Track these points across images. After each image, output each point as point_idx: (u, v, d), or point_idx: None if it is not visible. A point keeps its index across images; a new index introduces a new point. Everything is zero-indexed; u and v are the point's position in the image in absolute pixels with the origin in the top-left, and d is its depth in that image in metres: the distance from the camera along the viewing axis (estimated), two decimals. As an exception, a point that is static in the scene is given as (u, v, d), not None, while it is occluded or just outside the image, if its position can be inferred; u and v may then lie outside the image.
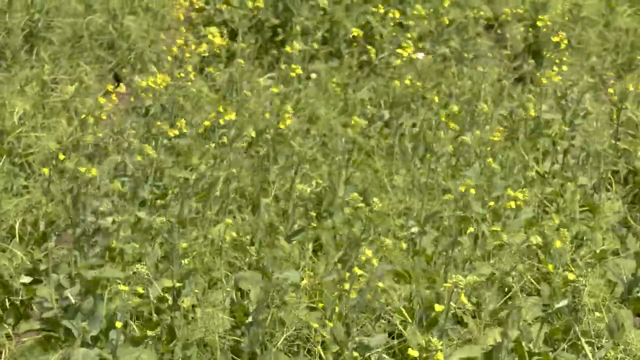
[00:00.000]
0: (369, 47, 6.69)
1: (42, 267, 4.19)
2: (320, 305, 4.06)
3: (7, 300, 4.24)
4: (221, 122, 4.97)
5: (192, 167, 5.01)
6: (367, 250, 3.67)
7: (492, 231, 4.71)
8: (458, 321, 4.20)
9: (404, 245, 4.44)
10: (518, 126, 6.01)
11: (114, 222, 4.29)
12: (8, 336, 4.07)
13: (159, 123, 5.01)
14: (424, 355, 2.89)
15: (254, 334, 3.86)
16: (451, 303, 3.21)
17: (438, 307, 3.14)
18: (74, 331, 3.76)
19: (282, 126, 5.01)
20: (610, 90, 6.00)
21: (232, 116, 4.90)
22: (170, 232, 4.02)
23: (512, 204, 4.60)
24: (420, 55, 6.19)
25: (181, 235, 4.37)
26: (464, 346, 3.50)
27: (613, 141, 5.62)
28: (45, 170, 3.97)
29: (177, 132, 4.97)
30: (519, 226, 4.90)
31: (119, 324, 3.67)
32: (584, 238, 4.96)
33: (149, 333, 3.88)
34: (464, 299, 3.14)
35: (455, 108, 5.41)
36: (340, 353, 3.78)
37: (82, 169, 3.96)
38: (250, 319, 3.87)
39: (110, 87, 5.50)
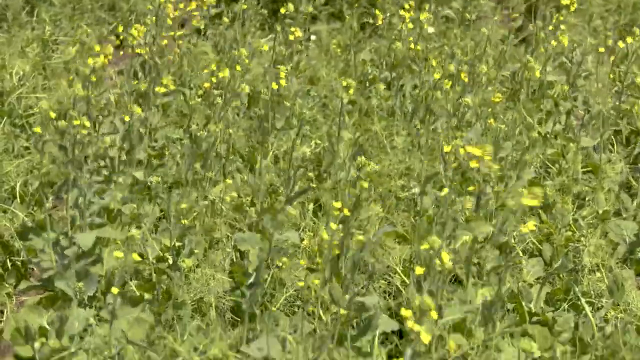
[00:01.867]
0: (372, 9, 6.63)
1: (42, 227, 4.15)
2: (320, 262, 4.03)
3: (8, 260, 4.22)
4: (213, 79, 4.91)
5: (188, 128, 4.97)
6: (373, 205, 3.63)
7: (494, 191, 4.66)
8: (458, 281, 4.16)
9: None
10: (520, 87, 5.95)
11: (110, 181, 4.25)
12: (9, 296, 4.05)
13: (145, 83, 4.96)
14: (418, 315, 2.85)
15: (254, 295, 3.82)
16: (436, 262, 3.16)
17: (418, 270, 3.11)
18: (69, 292, 3.73)
19: (274, 87, 4.95)
20: (612, 52, 5.95)
21: (226, 73, 4.83)
22: (167, 192, 3.98)
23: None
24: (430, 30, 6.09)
25: (179, 196, 4.33)
26: (460, 305, 3.47)
27: (615, 102, 5.57)
28: (37, 130, 3.92)
29: (164, 90, 4.91)
30: (521, 187, 4.85)
31: (115, 290, 3.65)
32: (586, 199, 4.92)
33: (147, 294, 3.85)
34: (445, 257, 3.10)
35: (452, 67, 5.35)
36: (339, 313, 3.75)
37: (77, 122, 3.92)
38: (249, 279, 3.83)
39: (110, 50, 5.44)
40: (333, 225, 3.58)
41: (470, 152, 3.83)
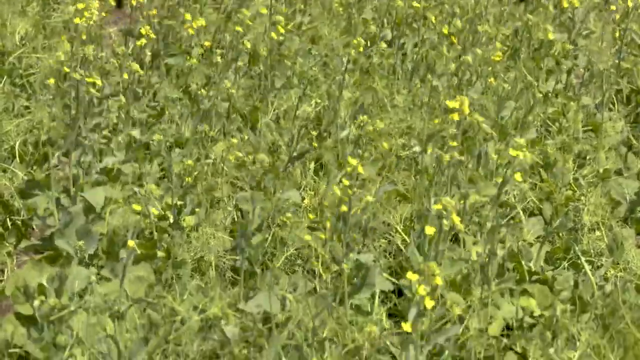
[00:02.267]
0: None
1: (43, 185, 4.14)
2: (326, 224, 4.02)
3: (8, 219, 4.21)
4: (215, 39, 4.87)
5: (189, 88, 4.94)
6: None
7: (495, 150, 4.63)
8: (457, 239, 4.15)
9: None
10: (521, 46, 5.91)
11: (111, 140, 4.23)
12: (9, 255, 4.04)
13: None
14: (422, 278, 2.83)
15: (254, 254, 3.81)
16: (444, 222, 3.15)
17: (429, 230, 3.08)
18: (69, 250, 3.72)
19: (274, 35, 4.90)
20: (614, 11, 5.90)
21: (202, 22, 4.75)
22: (168, 151, 3.96)
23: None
24: None
25: (180, 155, 4.31)
26: (457, 262, 3.46)
27: (616, 61, 5.53)
28: (52, 81, 3.89)
29: (143, 42, 4.86)
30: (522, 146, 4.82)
31: (131, 243, 3.63)
32: (587, 157, 4.90)
33: (147, 252, 3.84)
34: (456, 219, 3.08)
35: (459, 24, 5.31)
36: (340, 272, 3.74)
37: (89, 79, 3.90)
38: (249, 237, 3.80)
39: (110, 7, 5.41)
40: (345, 181, 3.55)
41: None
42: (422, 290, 2.77)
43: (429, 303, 2.77)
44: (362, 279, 3.61)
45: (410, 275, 2.81)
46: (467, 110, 3.84)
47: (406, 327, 2.73)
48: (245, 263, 3.72)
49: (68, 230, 3.82)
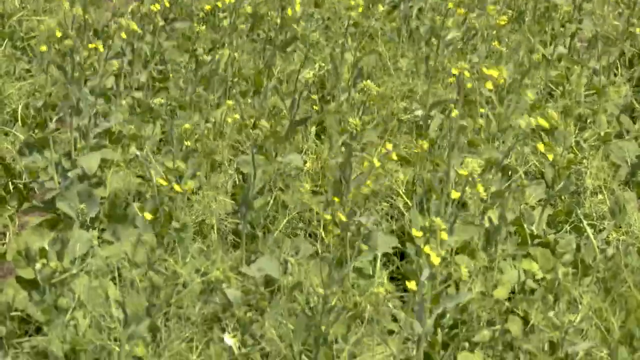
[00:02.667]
0: None
1: (44, 148, 4.11)
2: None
3: (10, 183, 4.19)
4: (219, 4, 4.83)
5: (193, 51, 4.90)
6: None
7: (496, 114, 4.61)
8: (461, 203, 4.13)
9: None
10: (526, 9, 5.87)
11: (112, 103, 4.20)
12: (11, 218, 4.02)
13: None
14: (427, 235, 2.80)
15: (256, 217, 3.79)
16: (467, 190, 3.12)
17: (454, 194, 3.04)
18: (71, 213, 3.70)
19: (289, 12, 4.86)
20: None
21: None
22: (170, 114, 3.93)
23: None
24: None
25: (182, 118, 4.28)
26: (463, 227, 3.44)
27: (619, 24, 5.48)
28: (43, 48, 3.86)
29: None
30: (524, 109, 4.79)
31: (148, 216, 3.61)
32: (589, 121, 4.87)
33: (149, 216, 3.82)
34: (480, 188, 3.03)
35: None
36: (342, 236, 3.72)
37: (91, 45, 3.87)
38: (250, 201, 3.78)
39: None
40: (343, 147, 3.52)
41: (486, 74, 3.77)
42: (427, 248, 2.74)
43: (435, 260, 2.74)
44: (364, 240, 3.59)
45: (415, 232, 2.77)
46: (468, 76, 3.81)
47: (411, 285, 2.69)
48: (247, 226, 3.70)
49: (69, 193, 3.80)
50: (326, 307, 2.99)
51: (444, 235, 2.79)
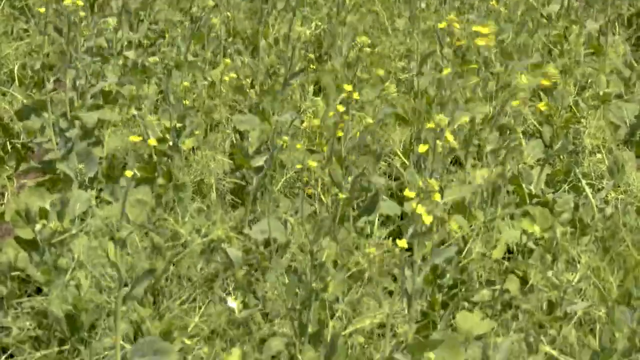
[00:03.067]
0: None
1: (42, 108, 4.08)
2: (322, 147, 3.97)
3: (7, 143, 4.16)
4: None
5: (190, 10, 4.85)
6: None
7: (495, 72, 4.58)
8: (457, 162, 4.11)
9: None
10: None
11: (107, 63, 4.16)
12: (9, 178, 4.00)
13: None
14: (421, 195, 2.78)
15: (260, 178, 3.76)
16: (438, 143, 3.09)
17: (422, 148, 3.03)
18: (70, 173, 3.67)
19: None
20: None
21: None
22: (167, 72, 3.89)
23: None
24: None
25: (179, 77, 4.25)
26: (460, 186, 3.41)
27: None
28: (42, 10, 3.82)
29: None
30: (522, 68, 4.76)
31: (129, 173, 3.58)
32: (588, 80, 4.83)
33: (148, 176, 3.80)
34: (449, 137, 3.02)
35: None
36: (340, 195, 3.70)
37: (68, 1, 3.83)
38: (257, 162, 3.75)
39: None
40: (340, 107, 3.50)
41: (476, 30, 3.74)
42: (419, 207, 2.71)
43: (427, 219, 2.72)
44: (368, 203, 3.57)
45: (407, 192, 2.75)
46: (457, 26, 3.77)
47: (401, 243, 2.67)
48: (246, 185, 3.68)
49: (67, 153, 3.77)
50: (315, 263, 2.98)
51: (437, 197, 2.76)
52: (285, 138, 3.41)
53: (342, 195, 3.38)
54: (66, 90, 4.01)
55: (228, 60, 4.30)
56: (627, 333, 2.99)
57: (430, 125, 3.06)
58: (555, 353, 3.03)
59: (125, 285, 2.78)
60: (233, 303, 3.12)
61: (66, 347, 3.08)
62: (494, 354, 2.84)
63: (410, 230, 2.87)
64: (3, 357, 3.07)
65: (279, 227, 3.27)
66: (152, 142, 3.73)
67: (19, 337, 3.08)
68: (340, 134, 3.65)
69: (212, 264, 3.30)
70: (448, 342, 3.00)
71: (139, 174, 3.72)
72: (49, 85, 3.96)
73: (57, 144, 3.90)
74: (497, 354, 2.84)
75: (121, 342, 2.80)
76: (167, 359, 2.69)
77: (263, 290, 3.21)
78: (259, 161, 3.68)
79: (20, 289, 3.25)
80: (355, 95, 3.55)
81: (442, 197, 3.23)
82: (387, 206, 3.65)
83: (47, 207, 3.34)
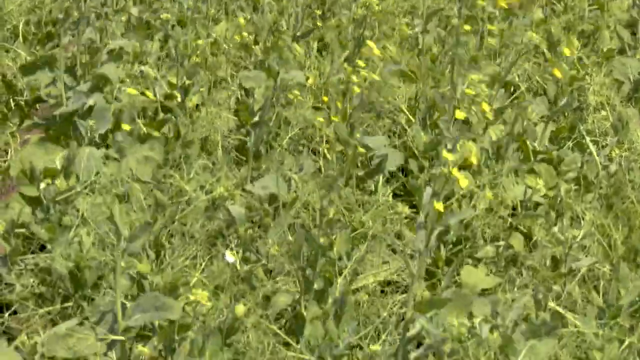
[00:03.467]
0: None
1: (47, 66, 4.02)
2: (325, 99, 3.92)
3: (11, 100, 4.11)
4: None
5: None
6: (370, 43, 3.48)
7: (499, 30, 4.52)
8: (463, 120, 4.06)
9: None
10: None
11: (111, 20, 4.11)
12: (13, 135, 3.96)
13: None
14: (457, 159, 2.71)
15: (259, 133, 3.72)
16: (473, 109, 3.04)
17: (459, 114, 2.93)
18: (81, 130, 3.61)
19: None
20: None
21: None
22: (171, 29, 3.84)
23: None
24: None
25: (183, 34, 4.19)
26: (467, 143, 3.36)
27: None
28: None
29: None
30: (526, 25, 4.70)
31: (126, 127, 3.54)
32: (592, 37, 4.77)
33: (155, 133, 3.75)
34: (485, 107, 2.93)
35: None
36: (344, 152, 3.66)
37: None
38: (255, 118, 3.71)
39: None
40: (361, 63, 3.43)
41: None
42: (456, 172, 2.63)
43: (464, 182, 2.65)
44: (375, 164, 3.54)
45: (445, 154, 2.66)
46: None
47: (438, 206, 2.59)
48: (251, 142, 3.63)
49: (75, 110, 3.72)
50: (323, 219, 2.94)
51: (474, 159, 2.71)
52: (297, 92, 3.35)
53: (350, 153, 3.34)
54: (72, 46, 3.95)
55: (241, 19, 4.24)
56: (632, 289, 2.96)
57: (469, 91, 2.92)
58: (560, 309, 3.00)
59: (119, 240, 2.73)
60: (231, 258, 3.09)
61: (70, 304, 3.05)
62: (505, 311, 2.81)
63: (428, 192, 2.78)
64: (7, 313, 3.04)
65: (282, 184, 3.22)
66: (149, 94, 3.69)
67: (23, 294, 3.06)
68: (346, 91, 3.60)
69: (215, 221, 3.27)
70: (457, 299, 2.97)
71: (145, 130, 3.70)
72: (64, 39, 3.88)
73: (64, 99, 3.84)
74: (509, 312, 2.81)
75: (124, 300, 2.77)
76: (169, 315, 2.64)
77: (266, 247, 3.17)
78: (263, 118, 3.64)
79: (24, 246, 3.22)
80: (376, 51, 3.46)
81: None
82: (392, 157, 3.61)
83: (53, 163, 3.30)
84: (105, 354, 2.77)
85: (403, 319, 2.90)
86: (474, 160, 2.67)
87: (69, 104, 3.77)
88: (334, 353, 2.85)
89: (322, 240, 2.94)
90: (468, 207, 3.06)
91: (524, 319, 2.86)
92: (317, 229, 2.94)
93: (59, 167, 3.29)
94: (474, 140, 3.30)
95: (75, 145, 3.52)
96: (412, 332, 2.61)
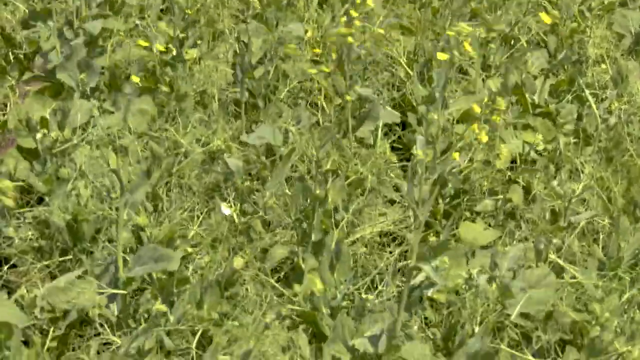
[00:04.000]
0: None
1: (45, 18, 3.96)
2: (317, 51, 3.86)
3: (10, 53, 4.05)
4: None
5: None
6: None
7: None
8: (462, 72, 4.01)
9: None
10: None
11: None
12: (12, 88, 3.90)
13: None
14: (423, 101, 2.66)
15: (257, 86, 3.66)
16: (454, 52, 2.97)
17: (441, 55, 2.89)
18: (72, 83, 3.56)
19: None
20: None
21: None
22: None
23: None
24: None
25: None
26: (465, 96, 3.31)
27: None
28: None
29: None
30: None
31: (135, 78, 3.49)
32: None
33: (150, 85, 3.70)
34: (467, 46, 2.90)
35: None
36: (342, 105, 3.61)
37: None
38: (251, 70, 3.65)
39: None
40: (354, 13, 3.36)
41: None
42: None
43: (484, 137, 2.59)
44: (365, 111, 3.47)
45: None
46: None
47: (418, 152, 2.54)
48: (246, 95, 3.58)
49: (70, 63, 3.66)
50: (320, 171, 2.89)
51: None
52: (293, 45, 3.29)
53: (349, 97, 3.27)
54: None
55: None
56: (633, 242, 2.93)
57: (451, 33, 2.90)
58: (560, 262, 2.97)
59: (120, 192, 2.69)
60: (227, 210, 3.05)
61: (68, 257, 3.02)
62: (502, 261, 2.77)
63: (421, 139, 2.75)
64: (6, 267, 3.01)
65: (277, 134, 3.17)
66: (160, 47, 3.63)
67: (22, 247, 3.02)
68: (344, 44, 3.53)
69: (213, 173, 3.23)
70: (452, 251, 2.93)
71: (141, 83, 3.65)
72: None
73: (60, 53, 3.79)
74: (504, 261, 2.77)
75: (122, 253, 2.73)
76: (168, 266, 2.61)
77: (263, 200, 3.13)
78: (260, 71, 3.58)
79: (22, 199, 3.18)
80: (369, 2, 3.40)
81: (447, 106, 3.14)
82: (386, 114, 3.55)
83: (48, 116, 3.26)
84: (106, 307, 2.74)
85: (400, 270, 2.87)
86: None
87: (61, 58, 3.71)
88: (332, 304, 2.82)
89: (317, 192, 2.90)
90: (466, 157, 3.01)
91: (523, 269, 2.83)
92: (313, 180, 2.89)
93: (50, 118, 3.24)
94: (471, 92, 3.24)
95: (68, 97, 3.48)
96: (416, 280, 2.57)
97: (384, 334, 2.62)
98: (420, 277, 2.59)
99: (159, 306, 2.35)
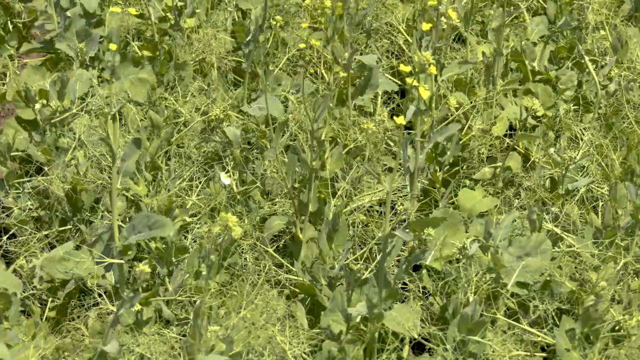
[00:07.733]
0: None
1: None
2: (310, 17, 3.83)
3: (9, 22, 4.02)
4: None
5: None
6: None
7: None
8: (460, 39, 3.97)
9: None
10: None
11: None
12: (11, 58, 3.87)
13: None
14: (417, 69, 2.62)
15: (256, 55, 3.62)
16: (442, 20, 2.94)
17: (425, 26, 2.87)
18: (70, 53, 3.52)
19: None
20: None
21: None
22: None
23: None
24: None
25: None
26: (461, 63, 3.27)
27: None
28: None
29: None
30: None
31: (113, 47, 3.44)
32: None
33: (149, 54, 3.67)
34: (452, 14, 2.88)
35: None
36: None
37: None
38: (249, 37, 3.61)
39: None
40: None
41: None
42: (414, 81, 2.57)
43: (424, 93, 2.58)
44: (365, 79, 3.44)
45: (402, 67, 2.61)
46: None
47: (399, 120, 2.50)
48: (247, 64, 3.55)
49: (68, 33, 3.62)
50: (314, 139, 2.86)
51: (433, 69, 2.61)
52: (279, 17, 3.24)
53: (342, 73, 3.24)
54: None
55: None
56: (630, 210, 2.90)
57: (432, 2, 2.90)
58: (558, 230, 2.94)
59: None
60: (227, 180, 3.03)
61: (68, 227, 3.00)
62: (496, 230, 2.75)
63: (412, 108, 2.76)
64: (5, 237, 2.99)
65: (277, 106, 3.13)
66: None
67: (21, 217, 3.01)
68: (341, 11, 3.49)
69: (211, 142, 3.20)
70: (450, 219, 2.91)
71: (139, 52, 3.62)
72: None
73: (58, 23, 3.75)
74: (499, 230, 2.75)
75: (120, 222, 2.71)
76: (162, 232, 2.57)
77: (262, 169, 3.11)
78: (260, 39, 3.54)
79: (21, 169, 3.16)
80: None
81: (441, 73, 3.11)
82: (385, 83, 3.51)
83: (48, 86, 3.23)
84: (103, 276, 2.72)
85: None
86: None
87: (59, 28, 3.67)
88: (329, 274, 2.80)
89: (314, 163, 2.87)
90: (456, 123, 2.96)
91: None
92: (310, 149, 2.87)
93: (49, 88, 3.21)
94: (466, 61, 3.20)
95: (66, 67, 3.45)
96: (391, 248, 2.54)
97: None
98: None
99: (142, 267, 2.31)
